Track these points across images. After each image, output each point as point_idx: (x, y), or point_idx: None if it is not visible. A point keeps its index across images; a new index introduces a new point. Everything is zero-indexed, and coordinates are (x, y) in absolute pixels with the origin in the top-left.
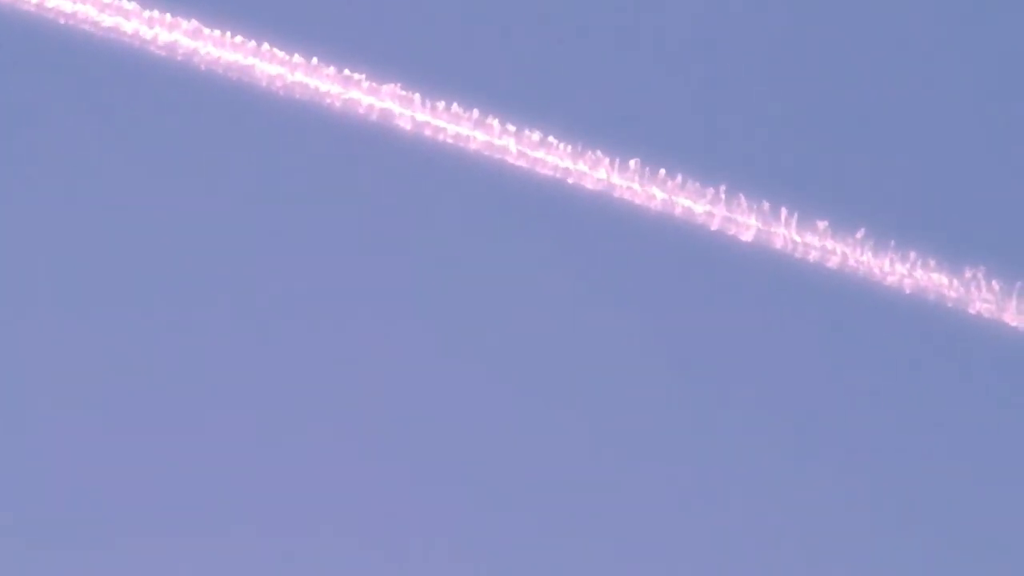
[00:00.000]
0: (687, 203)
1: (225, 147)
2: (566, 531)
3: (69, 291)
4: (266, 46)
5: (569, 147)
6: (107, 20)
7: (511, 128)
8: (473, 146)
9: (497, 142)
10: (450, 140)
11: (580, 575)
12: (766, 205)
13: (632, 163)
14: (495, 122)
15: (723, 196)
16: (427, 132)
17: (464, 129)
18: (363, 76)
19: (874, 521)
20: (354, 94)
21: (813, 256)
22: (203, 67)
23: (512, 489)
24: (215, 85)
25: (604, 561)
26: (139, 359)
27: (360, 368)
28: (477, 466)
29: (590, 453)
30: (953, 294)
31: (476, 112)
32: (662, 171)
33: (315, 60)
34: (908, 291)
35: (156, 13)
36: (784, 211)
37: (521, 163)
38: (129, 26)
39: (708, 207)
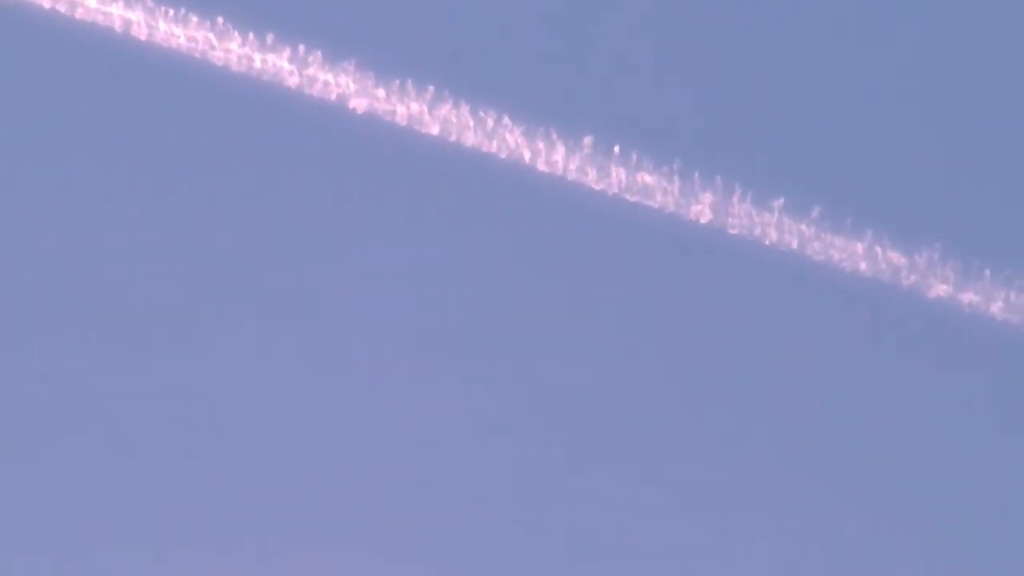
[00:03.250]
0: (643, 181)
1: (180, 125)
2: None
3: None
4: (220, 21)
5: (523, 127)
6: None
7: (466, 107)
8: (428, 125)
9: (452, 120)
10: (404, 120)
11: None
12: (719, 183)
13: (586, 141)
14: (450, 102)
15: (677, 175)
16: (381, 111)
17: (418, 107)
18: (318, 53)
19: (829, 509)
20: (309, 72)
21: (769, 236)
22: (158, 45)
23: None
24: (170, 63)
25: (592, 563)
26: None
27: (308, 353)
28: (447, 462)
29: (555, 444)
30: (913, 278)
31: (432, 90)
32: (616, 148)
33: (271, 38)
34: (864, 271)
35: None
36: (738, 189)
37: (475, 142)
38: (87, 3)
39: (662, 185)
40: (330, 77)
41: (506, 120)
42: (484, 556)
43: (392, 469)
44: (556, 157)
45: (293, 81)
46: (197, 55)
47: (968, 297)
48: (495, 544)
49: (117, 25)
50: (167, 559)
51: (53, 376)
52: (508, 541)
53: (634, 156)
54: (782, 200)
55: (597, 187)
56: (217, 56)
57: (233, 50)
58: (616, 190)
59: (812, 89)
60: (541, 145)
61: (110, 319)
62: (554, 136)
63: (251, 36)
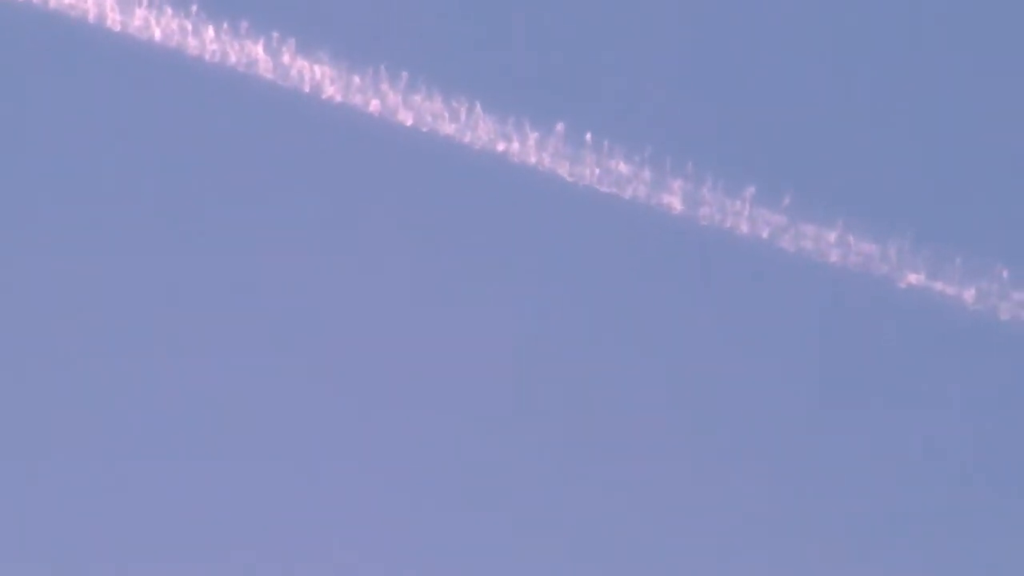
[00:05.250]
0: (615, 170)
1: (152, 115)
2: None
3: None
4: (194, 9)
5: (495, 116)
6: None
7: (439, 96)
8: (401, 115)
9: (425, 108)
10: (377, 109)
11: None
12: (690, 172)
13: (558, 127)
14: (423, 91)
15: (648, 162)
16: (356, 101)
17: (393, 96)
18: (292, 41)
19: (801, 500)
20: (282, 60)
21: (739, 226)
22: (134, 34)
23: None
24: (145, 52)
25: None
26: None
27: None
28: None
29: (529, 435)
30: (885, 267)
31: (405, 76)
32: (588, 135)
33: (245, 25)
34: (835, 260)
35: None
36: (709, 178)
37: (448, 131)
38: None
39: (634, 174)
40: (304, 64)
41: (478, 109)
42: (485, 560)
43: (389, 471)
44: (528, 146)
45: (266, 68)
46: (172, 44)
47: (940, 286)
48: (495, 548)
49: (91, 15)
50: (164, 563)
51: (44, 377)
52: (508, 544)
53: (606, 144)
54: (753, 189)
55: (569, 176)
56: (192, 45)
57: (208, 37)
58: (587, 178)
59: (780, 77)
60: (513, 133)
61: (75, 316)
62: (526, 125)
63: (225, 25)
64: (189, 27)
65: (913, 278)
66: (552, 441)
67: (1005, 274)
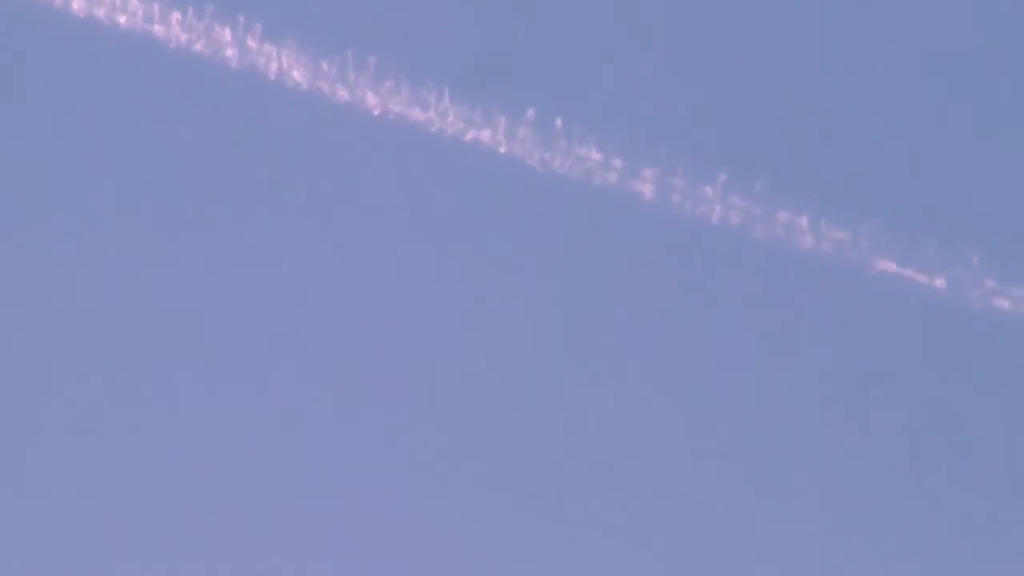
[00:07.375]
0: (585, 157)
1: (117, 101)
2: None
3: None
4: None
5: (464, 103)
6: None
7: (407, 83)
8: (369, 102)
9: (394, 96)
10: (345, 96)
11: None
12: (662, 157)
13: (528, 114)
14: (391, 77)
15: (618, 149)
16: (323, 87)
17: (361, 83)
18: (258, 27)
19: (772, 493)
20: (249, 46)
21: (712, 212)
22: (100, 19)
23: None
24: (110, 37)
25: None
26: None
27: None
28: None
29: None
30: (856, 253)
31: (373, 63)
32: (558, 122)
33: (211, 10)
34: (807, 247)
35: None
36: (681, 165)
37: (416, 119)
38: None
39: (605, 161)
40: (271, 50)
41: (447, 96)
42: (485, 560)
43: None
44: (498, 133)
45: (232, 54)
46: (138, 29)
47: (911, 273)
48: (494, 548)
49: (57, 0)
50: (166, 563)
51: (42, 376)
52: (507, 543)
53: (576, 131)
54: (723, 176)
55: (539, 163)
56: (157, 30)
57: (174, 21)
58: (558, 166)
59: (751, 64)
60: (483, 121)
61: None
62: (496, 112)
63: (191, 10)
64: (155, 12)
65: (884, 265)
66: (523, 430)
67: (976, 261)
